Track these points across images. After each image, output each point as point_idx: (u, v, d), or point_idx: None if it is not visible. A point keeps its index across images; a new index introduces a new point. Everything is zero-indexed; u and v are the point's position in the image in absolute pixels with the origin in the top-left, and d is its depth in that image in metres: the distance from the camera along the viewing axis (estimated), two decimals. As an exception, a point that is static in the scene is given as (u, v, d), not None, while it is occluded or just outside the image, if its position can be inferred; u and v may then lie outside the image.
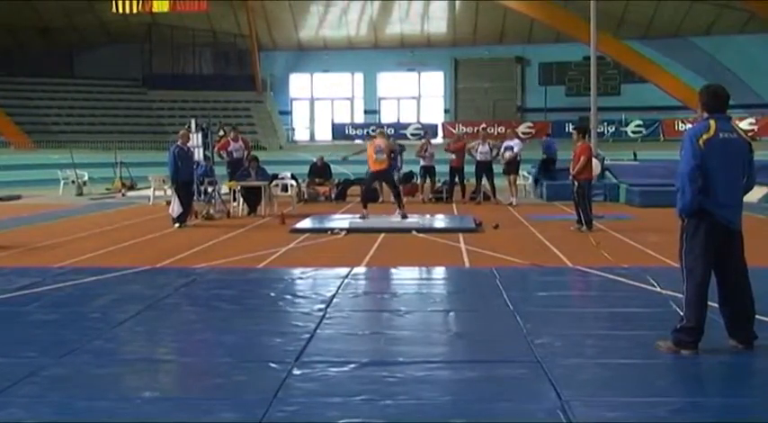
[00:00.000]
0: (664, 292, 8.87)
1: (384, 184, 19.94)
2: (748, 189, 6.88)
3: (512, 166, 22.91)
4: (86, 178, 29.81)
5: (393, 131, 40.12)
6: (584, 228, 15.56)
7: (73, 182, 29.22)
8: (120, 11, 35.26)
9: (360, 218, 17.25)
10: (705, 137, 6.39)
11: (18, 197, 26.45)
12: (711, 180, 6.39)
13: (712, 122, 6.47)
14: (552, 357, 6.41)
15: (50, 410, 5.33)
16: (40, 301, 9.00)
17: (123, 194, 27.70)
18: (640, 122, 42.28)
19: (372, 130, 19.02)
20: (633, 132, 42.08)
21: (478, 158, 22.78)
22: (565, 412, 5.14)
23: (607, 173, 23.89)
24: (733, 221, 6.55)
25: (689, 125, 40.64)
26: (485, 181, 22.94)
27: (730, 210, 6.53)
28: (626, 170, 25.14)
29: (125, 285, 10.07)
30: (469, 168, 24.09)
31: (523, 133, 39.80)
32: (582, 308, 9.14)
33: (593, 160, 16.83)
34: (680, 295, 6.83)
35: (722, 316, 6.66)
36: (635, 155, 32.48)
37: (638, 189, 21.65)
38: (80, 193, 27.92)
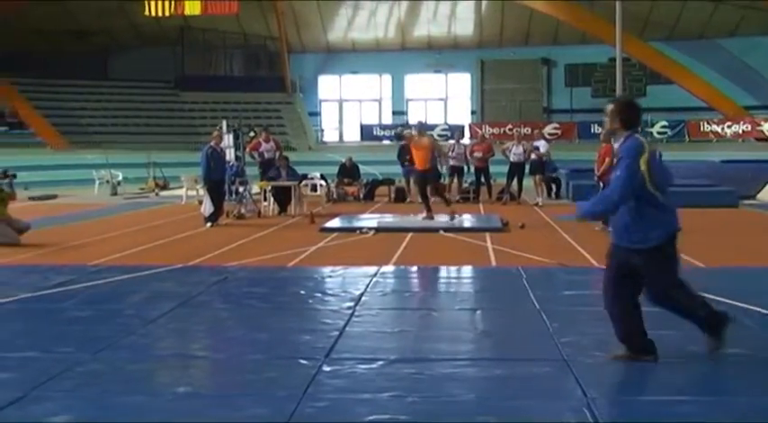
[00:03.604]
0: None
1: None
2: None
3: (538, 167, 22.87)
4: (120, 178, 30.00)
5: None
6: (610, 228, 15.49)
7: (107, 182, 29.41)
8: (153, 13, 35.40)
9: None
10: (646, 155, 6.05)
11: (54, 197, 26.65)
12: (664, 196, 6.12)
13: (640, 137, 6.20)
14: (578, 356, 6.38)
15: (85, 405, 5.38)
16: (75, 299, 9.07)
17: (156, 194, 27.87)
18: (666, 123, 41.91)
19: (408, 126, 18.88)
20: (659, 133, 41.71)
21: (512, 160, 22.73)
22: (590, 410, 5.12)
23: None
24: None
25: (714, 126, 40.65)
26: (514, 182, 22.93)
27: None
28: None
29: (158, 283, 10.12)
30: (496, 168, 24.10)
31: (549, 134, 39.62)
32: (607, 307, 9.11)
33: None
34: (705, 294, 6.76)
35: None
36: (660, 155, 32.28)
37: (663, 189, 21.37)
38: (114, 193, 28.09)
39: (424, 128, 19.70)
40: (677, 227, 6.21)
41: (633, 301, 6.28)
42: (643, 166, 6.01)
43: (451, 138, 28.30)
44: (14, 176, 14.18)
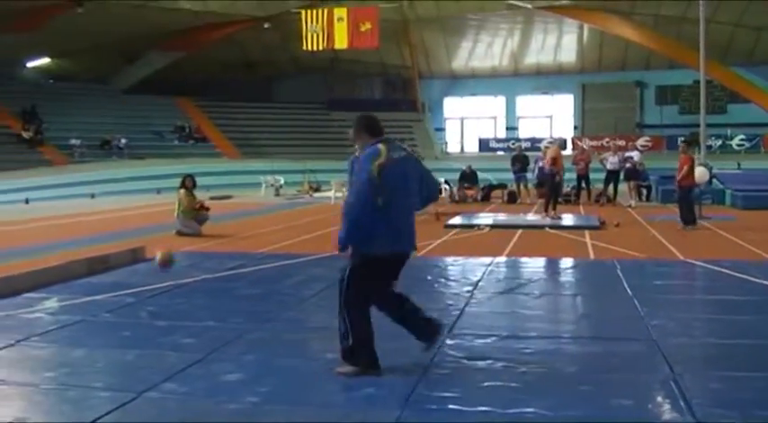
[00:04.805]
0: (765, 282, 8.46)
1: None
2: (433, 199, 6.14)
3: (631, 174, 22.44)
4: (282, 182, 30.58)
5: (530, 144, 39.76)
6: (689, 226, 15.08)
7: (271, 185, 30.04)
8: (309, 48, 36.03)
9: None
10: (381, 160, 5.12)
11: (230, 197, 27.40)
12: (391, 206, 5.20)
13: (382, 146, 5.25)
14: (665, 336, 6.18)
15: (252, 366, 5.52)
16: (245, 280, 9.30)
17: (310, 195, 28.31)
18: (744, 137, 40.43)
19: (550, 142, 18.64)
20: (737, 145, 40.28)
21: (609, 168, 22.50)
22: (676, 383, 4.96)
23: (714, 180, 22.98)
24: (410, 244, 5.54)
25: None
26: (610, 186, 22.58)
27: (406, 233, 5.52)
28: (731, 178, 24.21)
29: (311, 268, 10.23)
30: (595, 175, 23.73)
31: (642, 146, 38.86)
32: (691, 295, 8.81)
33: (702, 168, 16.31)
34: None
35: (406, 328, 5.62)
36: (739, 165, 31.28)
37: (741, 194, 20.82)
38: (277, 194, 28.71)
39: (562, 143, 19.62)
40: (391, 250, 5.33)
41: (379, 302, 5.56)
42: (375, 172, 5.08)
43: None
44: (208, 209, 14.96)
